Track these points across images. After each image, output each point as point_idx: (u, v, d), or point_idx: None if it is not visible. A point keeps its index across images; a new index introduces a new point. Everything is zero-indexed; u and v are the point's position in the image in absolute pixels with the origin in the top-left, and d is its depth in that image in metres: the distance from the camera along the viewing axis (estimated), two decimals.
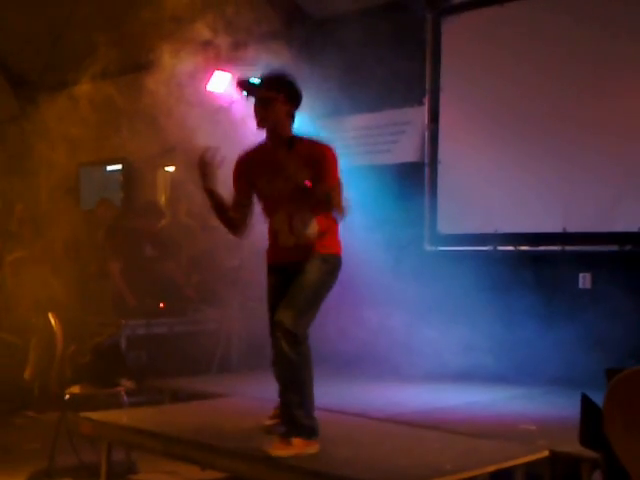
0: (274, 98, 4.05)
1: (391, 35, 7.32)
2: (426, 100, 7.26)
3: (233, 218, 4.16)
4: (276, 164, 4.06)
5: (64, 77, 7.55)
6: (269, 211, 4.19)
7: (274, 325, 3.92)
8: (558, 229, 6.39)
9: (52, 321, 5.51)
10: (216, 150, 3.97)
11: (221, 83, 7.09)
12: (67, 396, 5.14)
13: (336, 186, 3.97)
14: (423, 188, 7.16)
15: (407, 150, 7.39)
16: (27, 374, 6.64)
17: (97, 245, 7.90)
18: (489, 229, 6.72)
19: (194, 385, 6.11)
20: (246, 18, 6.91)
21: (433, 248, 7.10)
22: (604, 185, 6.19)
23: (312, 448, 3.93)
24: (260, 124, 4.09)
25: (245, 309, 6.95)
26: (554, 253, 6.40)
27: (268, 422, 4.27)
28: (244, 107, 7.29)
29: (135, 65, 7.92)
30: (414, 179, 7.19)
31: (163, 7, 6.30)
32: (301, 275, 3.99)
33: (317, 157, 4.04)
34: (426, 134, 7.23)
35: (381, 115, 7.51)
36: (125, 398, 5.24)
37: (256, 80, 4.18)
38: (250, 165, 4.17)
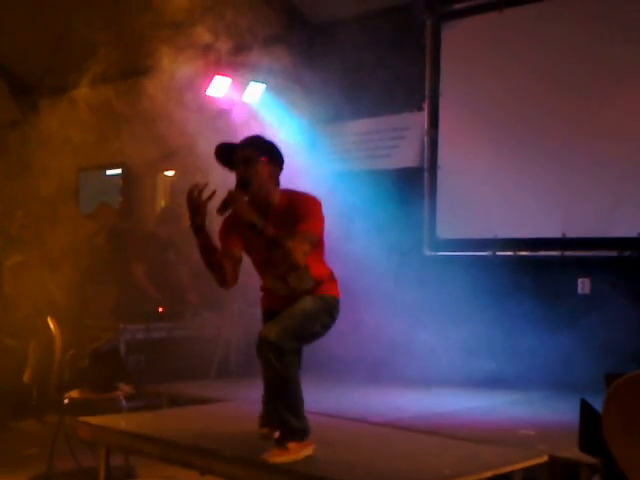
0: (256, 157, 3.92)
1: (391, 40, 7.33)
2: (426, 105, 7.27)
3: (222, 264, 3.92)
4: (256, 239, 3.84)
5: (64, 82, 7.55)
6: (259, 270, 4.12)
7: (259, 340, 3.82)
8: (557, 234, 6.40)
9: (51, 325, 5.51)
10: (205, 185, 3.78)
11: (221, 88, 7.09)
12: (66, 400, 5.13)
13: (303, 233, 3.79)
14: (423, 193, 7.17)
15: (407, 155, 7.40)
16: (26, 378, 6.63)
17: (97, 249, 7.90)
18: (488, 234, 6.72)
19: (193, 390, 6.11)
20: (246, 22, 6.92)
21: (433, 253, 7.10)
22: (603, 190, 6.19)
23: (307, 450, 3.94)
24: (243, 184, 3.89)
25: (244, 314, 6.93)
26: (553, 258, 6.40)
27: (264, 431, 4.25)
28: (244, 111, 7.33)
29: (135, 70, 7.93)
30: (414, 184, 7.20)
31: (163, 12, 6.30)
32: (293, 304, 3.92)
33: (294, 205, 3.92)
34: (425, 139, 7.24)
35: (381, 120, 7.52)
36: (124, 403, 5.22)
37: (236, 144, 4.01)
38: (237, 225, 3.95)
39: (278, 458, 3.83)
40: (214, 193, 3.79)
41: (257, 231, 3.74)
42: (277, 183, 4.01)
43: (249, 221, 3.75)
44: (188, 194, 3.78)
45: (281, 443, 3.90)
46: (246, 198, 3.83)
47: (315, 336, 4.02)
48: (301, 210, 3.88)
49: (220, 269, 3.94)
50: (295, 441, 3.90)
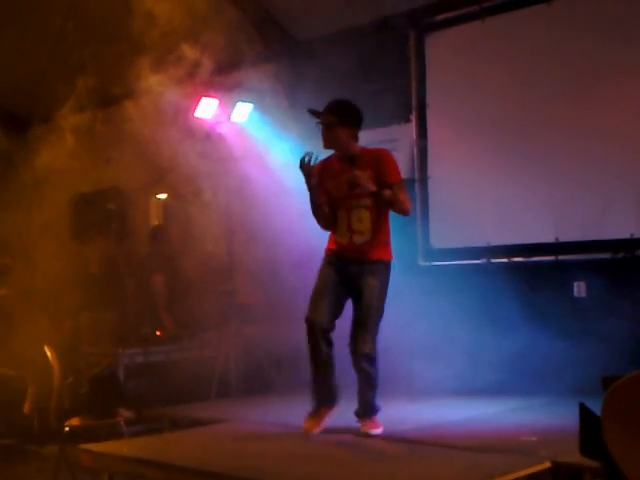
0: (334, 123, 4.76)
1: (376, 53, 7.37)
2: (413, 117, 7.30)
3: (326, 213, 4.88)
4: (341, 176, 4.82)
5: (53, 110, 7.57)
6: (336, 213, 4.90)
7: (355, 354, 4.73)
8: (551, 239, 6.42)
9: (48, 354, 5.49)
10: (311, 153, 4.72)
11: (208, 109, 7.10)
12: (66, 428, 5.12)
13: (399, 184, 4.78)
14: (414, 204, 7.17)
15: None
16: (26, 409, 6.60)
17: (92, 275, 7.91)
18: (482, 242, 6.74)
19: (194, 412, 6.08)
20: (231, 43, 6.95)
21: (427, 263, 7.11)
22: (594, 193, 6.22)
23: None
24: (325, 145, 4.88)
25: (241, 333, 6.93)
26: (548, 263, 6.41)
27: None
28: (233, 131, 7.35)
29: (122, 95, 7.94)
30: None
31: (149, 36, 6.32)
32: (366, 293, 4.76)
33: (379, 160, 4.81)
34: (415, 150, 7.26)
35: (369, 133, 7.48)
36: (125, 428, 5.21)
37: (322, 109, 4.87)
38: (322, 174, 4.84)
39: (372, 429, 4.77)
40: (316, 158, 4.74)
41: (375, 195, 4.70)
42: (356, 140, 4.86)
43: (372, 191, 4.69)
44: (301, 162, 4.71)
45: (369, 419, 4.83)
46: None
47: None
48: (388, 165, 4.82)
49: (326, 217, 4.90)
50: (375, 416, 4.85)
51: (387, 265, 4.90)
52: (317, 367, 4.86)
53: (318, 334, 4.76)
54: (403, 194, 4.78)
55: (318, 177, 4.82)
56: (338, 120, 4.78)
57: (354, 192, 4.78)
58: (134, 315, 7.55)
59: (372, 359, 4.74)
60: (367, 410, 4.88)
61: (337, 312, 4.86)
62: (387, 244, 4.90)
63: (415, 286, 6.62)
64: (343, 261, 4.89)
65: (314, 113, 4.88)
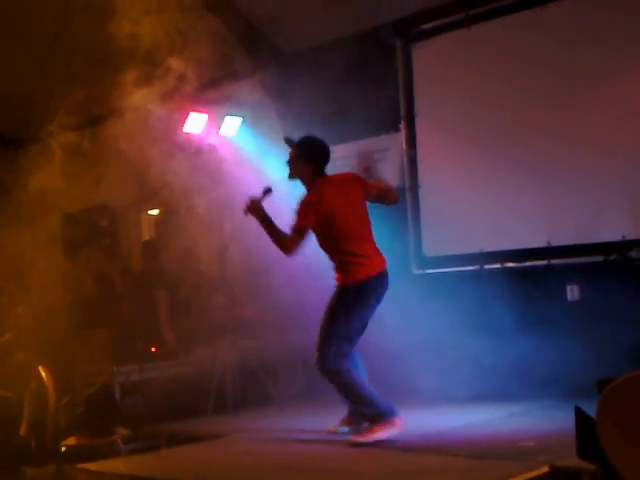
0: (295, 156, 5.07)
1: (363, 64, 7.38)
2: (402, 126, 7.31)
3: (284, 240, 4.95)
4: None
5: (42, 130, 7.57)
6: None
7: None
8: (543, 244, 6.42)
9: (43, 374, 5.48)
10: (253, 198, 4.93)
11: (197, 124, 7.11)
12: (63, 448, 5.10)
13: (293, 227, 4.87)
14: (406, 213, 7.19)
15: (387, 176, 7.40)
16: (22, 431, 6.57)
17: (85, 294, 7.89)
18: (474, 249, 6.74)
19: (191, 427, 6.07)
20: (219, 57, 6.96)
21: (421, 271, 7.11)
22: (585, 197, 6.23)
23: (390, 428, 4.81)
24: (289, 174, 5.13)
25: (236, 346, 6.90)
26: (541, 268, 6.42)
27: (333, 428, 5.13)
28: (223, 146, 7.36)
29: (111, 113, 7.95)
30: (397, 205, 7.20)
31: (135, 52, 6.33)
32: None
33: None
34: (405, 159, 7.28)
35: (359, 144, 7.55)
36: (122, 446, 5.20)
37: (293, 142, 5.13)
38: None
39: (362, 439, 4.75)
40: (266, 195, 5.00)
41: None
42: (311, 176, 5.04)
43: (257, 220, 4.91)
44: (251, 206, 4.89)
45: (370, 426, 4.82)
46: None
47: (348, 322, 4.86)
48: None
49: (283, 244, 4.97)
50: (377, 424, 4.78)
51: (347, 287, 4.94)
52: None
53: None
54: (286, 236, 4.92)
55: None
56: (298, 154, 5.07)
57: None
58: (133, 332, 7.50)
59: (330, 372, 4.83)
60: (364, 419, 4.92)
61: None
62: (350, 268, 4.96)
63: (409, 295, 6.62)
64: None
65: (289, 142, 5.15)
